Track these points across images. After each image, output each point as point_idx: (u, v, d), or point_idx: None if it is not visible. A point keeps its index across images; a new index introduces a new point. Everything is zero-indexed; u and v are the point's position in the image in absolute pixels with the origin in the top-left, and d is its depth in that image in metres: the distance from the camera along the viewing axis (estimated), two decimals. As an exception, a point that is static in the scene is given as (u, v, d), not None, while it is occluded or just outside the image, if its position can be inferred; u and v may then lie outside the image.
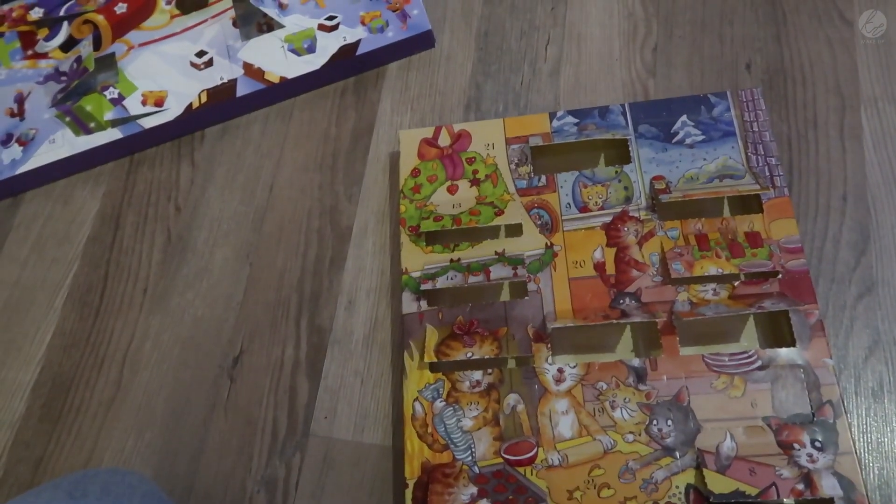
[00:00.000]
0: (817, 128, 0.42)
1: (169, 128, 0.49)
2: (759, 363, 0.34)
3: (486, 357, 0.37)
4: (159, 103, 0.48)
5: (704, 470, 0.33)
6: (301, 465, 0.41)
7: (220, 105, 0.48)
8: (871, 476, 0.35)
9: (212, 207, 0.48)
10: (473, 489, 0.35)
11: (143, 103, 0.48)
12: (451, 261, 0.40)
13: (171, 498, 0.35)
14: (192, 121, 0.49)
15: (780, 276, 0.36)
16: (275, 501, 0.40)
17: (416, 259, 0.41)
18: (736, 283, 0.36)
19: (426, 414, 0.37)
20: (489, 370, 0.37)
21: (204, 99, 0.48)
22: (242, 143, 0.49)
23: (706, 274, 0.36)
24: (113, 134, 0.48)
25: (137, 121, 0.48)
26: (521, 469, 0.35)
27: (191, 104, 0.48)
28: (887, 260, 0.39)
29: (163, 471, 0.42)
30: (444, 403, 0.37)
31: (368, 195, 0.46)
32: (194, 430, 0.42)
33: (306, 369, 0.43)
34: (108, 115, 0.49)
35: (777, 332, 0.36)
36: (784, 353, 0.34)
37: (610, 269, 0.38)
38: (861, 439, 0.35)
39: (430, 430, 0.36)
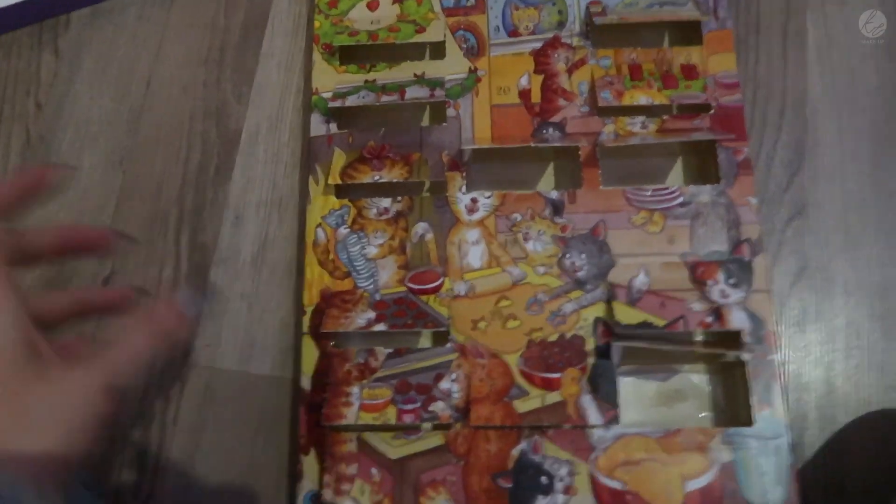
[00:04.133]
0: (759, 32, 0.65)
1: (25, 8, 0.70)
2: (681, 199, 0.57)
3: (394, 181, 0.59)
4: (12, -23, 0.69)
5: (614, 303, 0.55)
6: (180, 397, 0.61)
7: (89, -16, 0.70)
8: (788, 408, 0.54)
9: (79, 105, 0.70)
10: (371, 314, 0.56)
11: (-8, -23, 0.69)
12: (366, 81, 0.62)
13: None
14: (54, 1, 0.71)
15: (712, 110, 0.58)
16: (151, 436, 0.60)
17: (327, 79, 0.63)
18: (666, 117, 0.59)
19: (329, 240, 0.59)
20: (398, 198, 0.59)
21: (68, -25, 0.70)
22: (115, 29, 0.72)
23: (636, 104, 0.59)
24: (-47, 13, 0.68)
25: (-17, -3, 0.68)
26: (424, 297, 0.57)
27: (51, -20, 0.69)
28: (822, 180, 0.61)
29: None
30: (348, 230, 0.59)
31: (261, 96, 0.68)
32: (56, 358, 0.64)
33: (187, 291, 0.63)
34: (-53, -10, 0.69)
35: (703, 168, 0.59)
36: (708, 190, 0.57)
37: (536, 97, 0.61)
38: (780, 370, 0.54)
39: (331, 256, 0.58)
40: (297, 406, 0.58)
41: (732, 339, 0.54)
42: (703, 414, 0.56)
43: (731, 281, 0.55)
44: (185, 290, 0.53)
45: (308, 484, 0.54)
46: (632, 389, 0.56)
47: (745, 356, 0.53)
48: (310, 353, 0.57)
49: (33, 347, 0.34)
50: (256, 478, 0.59)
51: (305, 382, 0.56)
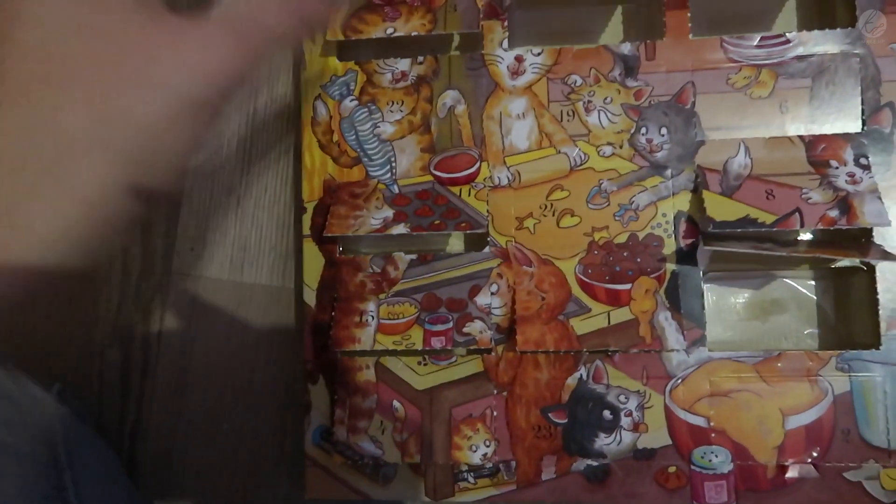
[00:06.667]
0: None
1: None
2: (798, 50, 0.45)
3: (413, 34, 0.47)
4: None
5: (704, 192, 0.44)
6: (163, 311, 0.53)
7: None
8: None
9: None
10: (388, 211, 0.46)
11: None
12: None
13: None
14: None
15: None
16: (132, 358, 0.52)
17: None
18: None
19: (332, 117, 0.48)
20: (419, 58, 0.47)
21: None
22: None
23: None
24: None
25: None
26: (455, 189, 0.46)
27: None
28: None
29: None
30: (355, 103, 0.48)
31: None
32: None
33: (161, 186, 0.54)
34: None
35: (829, 5, 0.46)
36: (837, 36, 0.44)
37: None
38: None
39: (335, 137, 0.47)
40: (301, 323, 0.49)
41: (862, 239, 0.44)
42: (808, 330, 0.47)
43: (863, 161, 0.43)
44: None
45: (317, 418, 0.46)
46: (716, 299, 0.47)
47: (875, 261, 0.42)
48: (313, 261, 0.47)
49: None
50: (256, 407, 0.51)
51: (309, 297, 0.47)
